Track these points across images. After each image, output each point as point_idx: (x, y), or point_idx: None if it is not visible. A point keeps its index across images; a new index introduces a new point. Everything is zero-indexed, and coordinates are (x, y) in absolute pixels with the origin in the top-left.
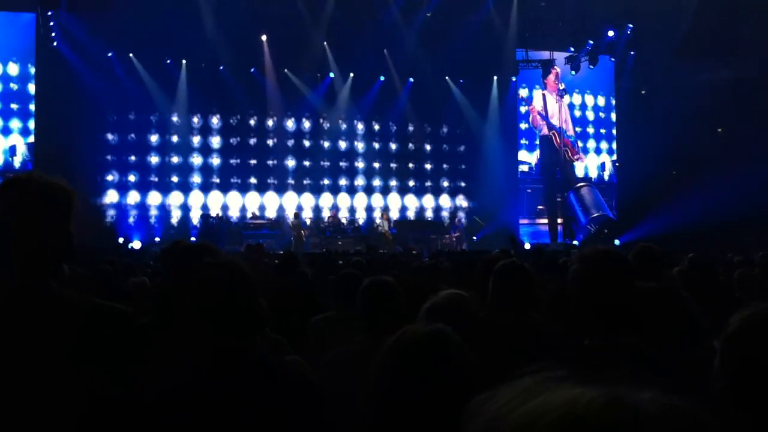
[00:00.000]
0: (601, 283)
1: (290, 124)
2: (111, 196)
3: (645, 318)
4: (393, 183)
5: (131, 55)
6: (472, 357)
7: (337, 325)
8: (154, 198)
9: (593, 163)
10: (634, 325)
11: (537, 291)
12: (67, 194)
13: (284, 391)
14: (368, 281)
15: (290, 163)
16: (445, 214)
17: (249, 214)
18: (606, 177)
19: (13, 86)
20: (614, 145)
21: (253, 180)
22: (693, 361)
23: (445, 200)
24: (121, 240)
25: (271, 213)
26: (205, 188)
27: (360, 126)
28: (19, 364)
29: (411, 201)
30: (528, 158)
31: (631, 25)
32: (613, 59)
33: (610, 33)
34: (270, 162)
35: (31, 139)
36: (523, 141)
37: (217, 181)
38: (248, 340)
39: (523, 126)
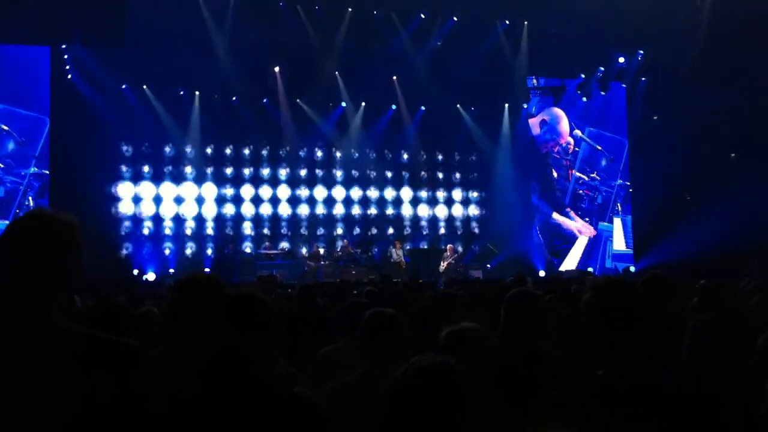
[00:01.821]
0: (613, 312)
1: (303, 154)
2: (125, 228)
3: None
4: (406, 211)
5: (145, 87)
6: (473, 389)
7: (345, 355)
8: (168, 229)
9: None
10: (644, 353)
11: (549, 318)
12: (72, 228)
13: (288, 412)
14: (369, 313)
15: (303, 192)
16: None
17: (262, 245)
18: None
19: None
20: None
21: (266, 210)
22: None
23: (457, 229)
24: (135, 271)
25: (284, 243)
26: (219, 219)
27: (372, 155)
28: (11, 397)
29: (423, 229)
30: None
31: (641, 52)
32: (624, 86)
33: (621, 59)
34: (283, 192)
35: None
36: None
37: (231, 211)
38: (257, 346)
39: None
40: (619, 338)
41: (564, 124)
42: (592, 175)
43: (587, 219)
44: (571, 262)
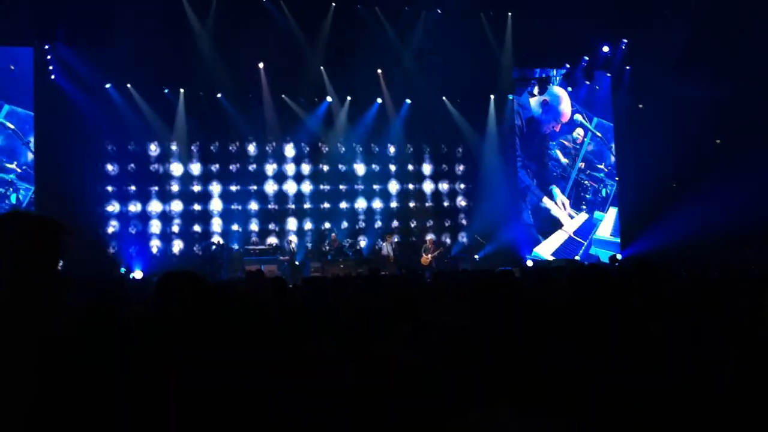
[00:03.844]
0: (586, 298)
1: (289, 149)
2: (112, 227)
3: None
4: (393, 204)
5: (129, 85)
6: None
7: (330, 350)
8: (155, 227)
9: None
10: (617, 339)
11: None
12: (54, 229)
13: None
14: (347, 307)
15: (290, 188)
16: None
17: (250, 241)
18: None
19: (10, 125)
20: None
21: (253, 206)
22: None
23: (445, 221)
24: (123, 270)
25: (272, 238)
26: (206, 215)
27: (359, 149)
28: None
29: (409, 222)
30: None
31: (625, 41)
32: (609, 75)
33: (605, 49)
34: (270, 187)
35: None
36: None
37: (218, 208)
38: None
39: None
40: (594, 326)
41: (565, 105)
42: (599, 166)
43: (584, 207)
44: (549, 247)
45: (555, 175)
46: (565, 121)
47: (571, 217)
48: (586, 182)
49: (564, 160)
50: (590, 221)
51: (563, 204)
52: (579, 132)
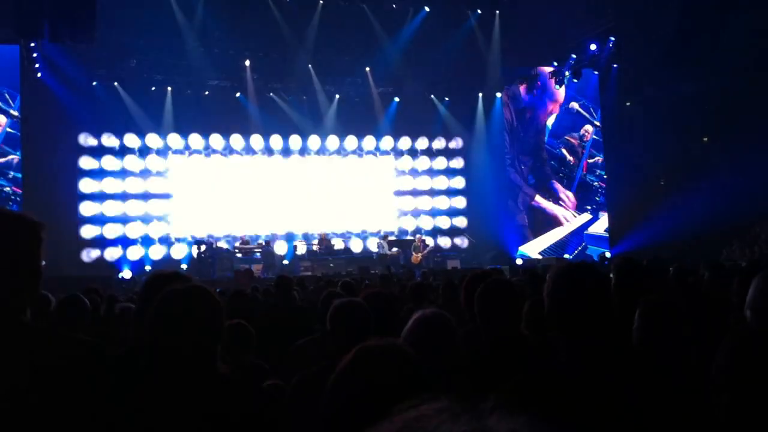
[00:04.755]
0: (571, 295)
1: (277, 146)
2: (100, 226)
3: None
4: (382, 203)
5: (116, 83)
6: (425, 373)
7: (320, 347)
8: (144, 226)
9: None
10: (605, 336)
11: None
12: (34, 227)
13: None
14: (336, 303)
15: (280, 186)
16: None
17: (239, 240)
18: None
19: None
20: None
21: (242, 204)
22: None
23: (435, 219)
24: (112, 270)
25: (262, 237)
26: (195, 214)
27: (347, 146)
28: None
29: (400, 221)
30: None
31: (612, 38)
32: (596, 72)
33: (593, 46)
34: (259, 185)
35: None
36: None
37: (207, 205)
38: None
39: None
40: (577, 326)
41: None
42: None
43: (588, 209)
44: (540, 245)
45: (561, 176)
46: (560, 101)
47: (574, 212)
48: (596, 183)
49: (570, 159)
50: (594, 221)
51: (567, 197)
52: (587, 128)
